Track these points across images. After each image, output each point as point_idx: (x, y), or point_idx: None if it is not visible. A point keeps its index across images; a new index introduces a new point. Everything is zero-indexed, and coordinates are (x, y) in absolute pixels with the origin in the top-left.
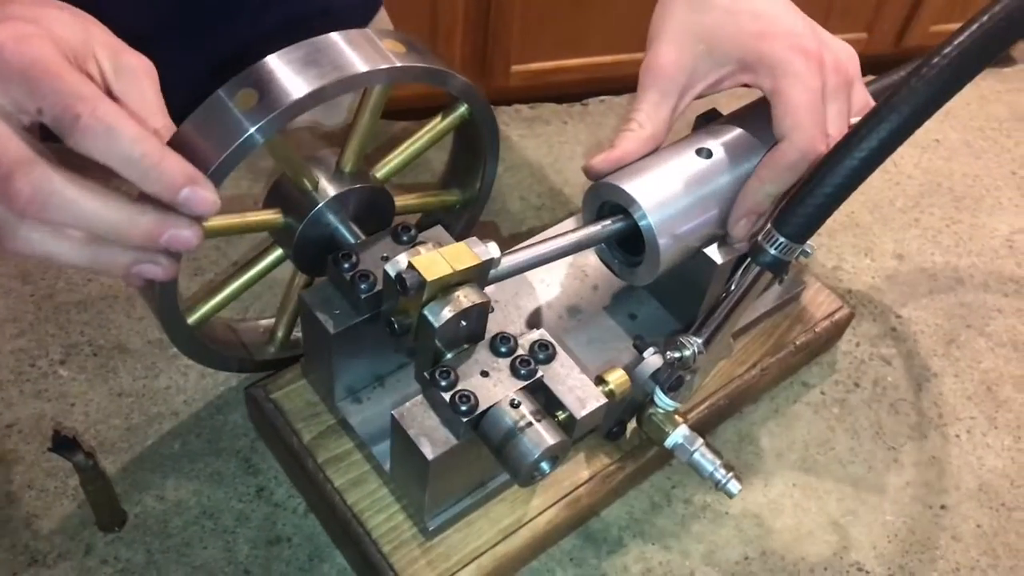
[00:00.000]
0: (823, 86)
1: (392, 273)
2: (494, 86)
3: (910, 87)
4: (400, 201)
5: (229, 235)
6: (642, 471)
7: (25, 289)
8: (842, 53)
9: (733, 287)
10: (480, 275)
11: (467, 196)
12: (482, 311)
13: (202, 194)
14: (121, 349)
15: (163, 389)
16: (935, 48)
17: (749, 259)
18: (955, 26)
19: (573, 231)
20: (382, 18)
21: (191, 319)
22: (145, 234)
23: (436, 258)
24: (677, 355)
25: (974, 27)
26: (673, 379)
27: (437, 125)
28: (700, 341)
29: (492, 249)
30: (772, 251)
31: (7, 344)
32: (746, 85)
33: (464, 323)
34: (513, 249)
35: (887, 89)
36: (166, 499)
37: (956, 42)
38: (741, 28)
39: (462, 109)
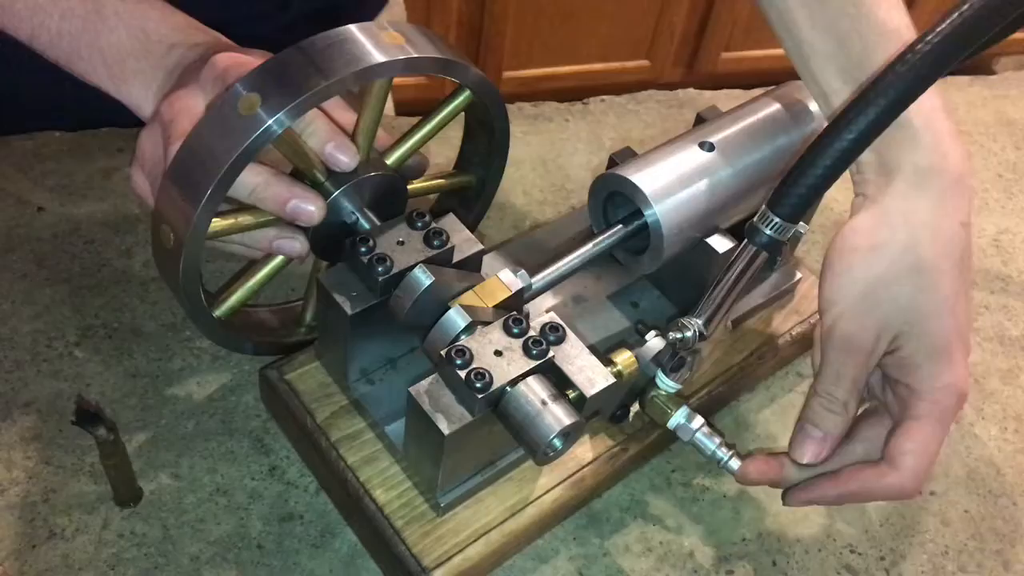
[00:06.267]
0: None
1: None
2: None
3: (896, 71)
4: (412, 185)
5: (247, 231)
6: (644, 454)
7: (40, 273)
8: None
9: (731, 269)
10: (516, 303)
11: (477, 178)
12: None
13: (303, 206)
14: (135, 332)
15: (177, 371)
16: (919, 36)
17: (746, 240)
18: None
19: (591, 241)
20: (394, 10)
21: (218, 312)
22: (274, 197)
23: (471, 297)
24: (679, 336)
25: (955, 15)
26: (675, 361)
27: (443, 110)
28: (700, 322)
29: (523, 277)
30: (768, 232)
31: (24, 325)
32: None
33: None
34: (541, 270)
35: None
36: (181, 477)
37: (938, 29)
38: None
39: (465, 95)
